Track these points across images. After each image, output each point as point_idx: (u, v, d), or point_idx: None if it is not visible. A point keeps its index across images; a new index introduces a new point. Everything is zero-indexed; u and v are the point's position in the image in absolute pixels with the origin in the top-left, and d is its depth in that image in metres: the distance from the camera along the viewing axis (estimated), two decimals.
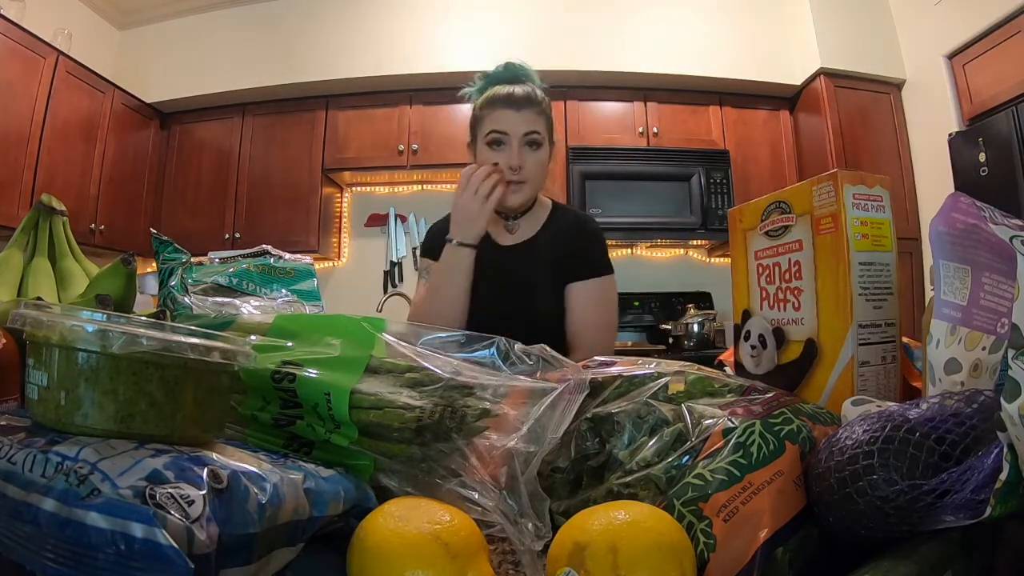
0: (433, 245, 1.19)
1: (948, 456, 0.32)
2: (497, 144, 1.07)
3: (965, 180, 2.39)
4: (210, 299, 0.65)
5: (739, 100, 3.11)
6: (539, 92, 1.11)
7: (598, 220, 1.33)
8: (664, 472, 0.40)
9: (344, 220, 3.44)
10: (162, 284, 0.63)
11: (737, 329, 0.64)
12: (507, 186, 1.04)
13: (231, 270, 0.74)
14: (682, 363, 0.52)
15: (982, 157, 2.33)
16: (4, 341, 0.45)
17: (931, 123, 2.75)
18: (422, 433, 0.41)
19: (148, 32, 3.34)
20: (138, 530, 0.25)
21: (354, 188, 3.45)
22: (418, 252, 1.16)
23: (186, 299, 0.62)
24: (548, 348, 0.51)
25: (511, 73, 1.15)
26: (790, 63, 3.05)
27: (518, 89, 1.09)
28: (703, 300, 2.99)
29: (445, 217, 1.22)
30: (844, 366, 0.52)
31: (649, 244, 3.15)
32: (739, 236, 0.65)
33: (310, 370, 0.43)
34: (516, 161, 1.06)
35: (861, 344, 0.51)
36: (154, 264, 0.67)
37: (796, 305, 0.57)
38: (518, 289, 1.12)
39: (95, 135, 2.88)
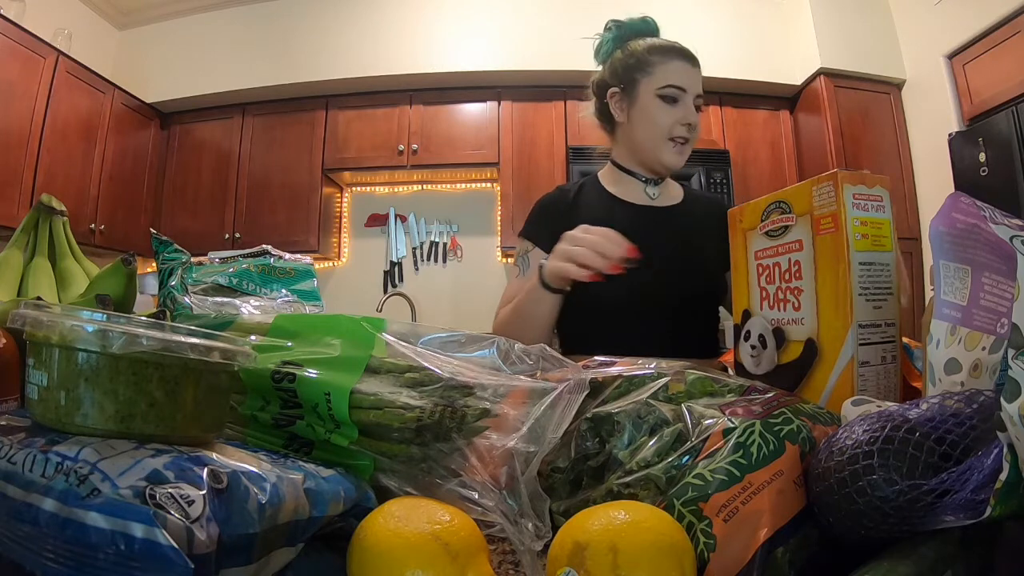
0: (542, 227, 1.03)
1: (948, 456, 0.32)
2: (673, 100, 0.99)
3: (965, 180, 2.39)
4: (210, 299, 0.65)
5: (739, 100, 3.11)
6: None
7: None
8: (664, 472, 0.40)
9: (344, 220, 3.44)
10: (162, 284, 0.63)
11: (737, 329, 0.64)
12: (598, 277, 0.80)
13: (231, 270, 0.74)
14: (682, 363, 0.52)
15: (982, 157, 2.33)
16: (4, 341, 0.45)
17: (931, 123, 2.75)
18: (422, 433, 0.41)
19: (148, 32, 3.34)
20: (138, 530, 0.25)
21: (354, 188, 3.45)
22: (514, 238, 1.03)
23: (186, 299, 0.62)
24: (548, 348, 0.51)
25: (648, 28, 1.07)
26: (790, 63, 3.06)
27: (681, 44, 1.02)
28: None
29: (556, 194, 1.10)
30: (844, 366, 0.52)
31: None
32: (739, 236, 0.65)
33: (310, 370, 0.43)
34: (695, 118, 1.00)
35: (861, 344, 0.51)
36: (154, 264, 0.67)
37: (796, 305, 0.57)
38: (682, 248, 1.00)
39: (95, 135, 2.89)
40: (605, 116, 1.11)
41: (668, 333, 0.99)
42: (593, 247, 0.77)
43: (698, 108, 1.02)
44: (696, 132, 1.02)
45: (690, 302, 1.02)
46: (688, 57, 1.02)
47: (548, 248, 0.98)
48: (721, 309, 1.10)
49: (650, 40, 1.04)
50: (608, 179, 1.12)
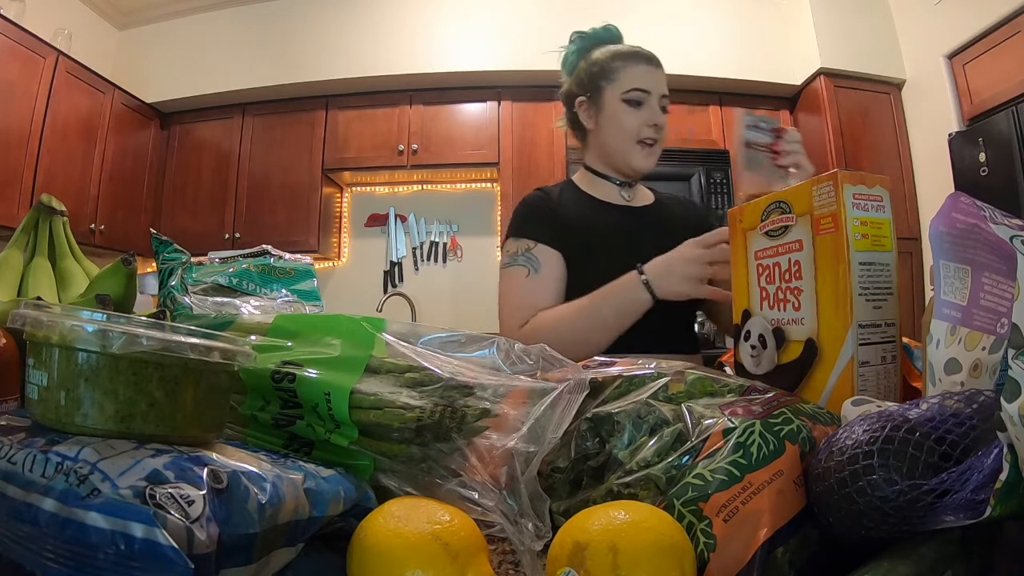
0: (538, 224, 1.03)
1: (948, 456, 0.32)
2: (637, 103, 1.01)
3: (965, 180, 2.39)
4: (210, 299, 0.65)
5: (739, 100, 3.11)
6: None
7: None
8: (664, 472, 0.40)
9: (344, 220, 3.44)
10: (162, 284, 0.63)
11: (737, 329, 0.64)
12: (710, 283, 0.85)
13: (231, 270, 0.74)
14: (682, 363, 0.52)
15: (982, 157, 2.33)
16: (4, 341, 0.45)
17: (931, 123, 2.75)
18: (422, 433, 0.41)
19: (148, 32, 3.34)
20: (138, 530, 0.25)
21: (354, 188, 3.45)
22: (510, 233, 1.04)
23: (186, 299, 0.62)
24: (548, 348, 0.51)
25: (611, 36, 1.10)
26: (790, 63, 3.06)
27: (644, 49, 1.05)
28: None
29: (538, 195, 1.10)
30: (844, 366, 0.52)
31: None
32: (739, 236, 0.65)
33: (310, 370, 0.43)
34: (661, 119, 1.01)
35: (861, 344, 0.51)
36: (154, 264, 0.67)
37: (796, 305, 0.57)
38: (663, 247, 0.99)
39: (95, 135, 2.89)
40: (576, 125, 1.14)
41: (650, 331, 0.95)
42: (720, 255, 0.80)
43: (664, 108, 1.03)
44: (663, 132, 1.04)
45: (672, 301, 1.01)
46: (650, 60, 1.04)
47: (551, 244, 1.01)
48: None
49: (612, 47, 1.07)
50: (583, 183, 1.14)
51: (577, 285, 0.99)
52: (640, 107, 1.02)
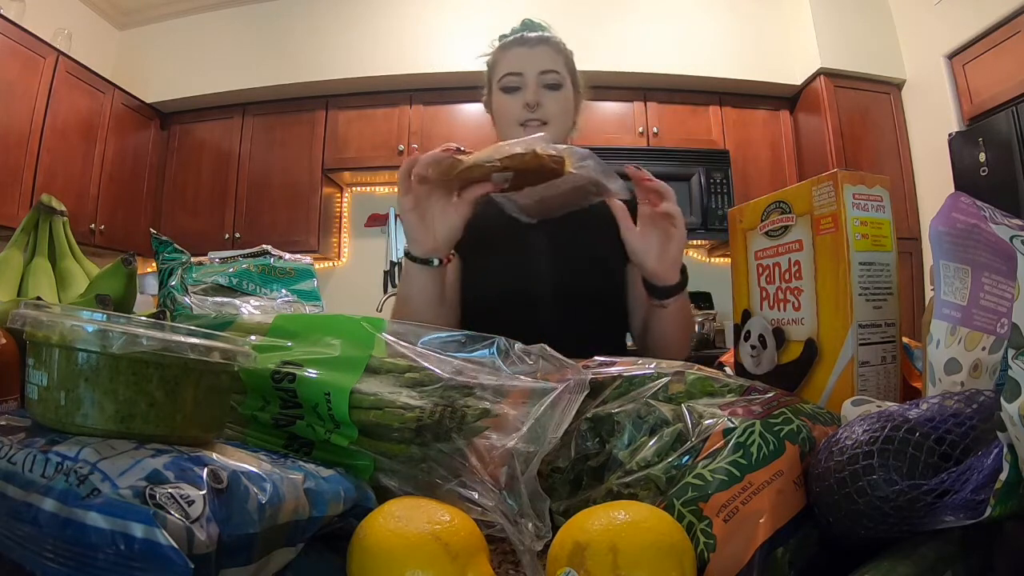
0: None
1: (948, 456, 0.32)
2: (512, 89, 0.97)
3: (965, 180, 2.39)
4: (210, 299, 0.65)
5: (739, 100, 3.11)
6: (556, 37, 1.02)
7: None
8: (664, 472, 0.40)
9: (344, 220, 3.44)
10: (162, 284, 0.63)
11: (737, 329, 0.64)
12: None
13: (231, 270, 0.74)
14: (682, 363, 0.52)
15: (982, 157, 2.33)
16: (4, 341, 0.45)
17: (931, 123, 2.75)
18: (422, 433, 0.41)
19: (148, 32, 3.34)
20: (138, 530, 0.25)
21: (354, 188, 3.45)
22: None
23: (186, 299, 0.62)
24: (548, 348, 0.51)
25: (526, 27, 1.06)
26: (790, 63, 3.06)
27: (531, 33, 1.01)
28: (703, 300, 2.99)
29: None
30: (844, 366, 0.52)
31: None
32: (739, 236, 0.65)
33: (310, 370, 0.43)
34: (533, 97, 0.95)
35: (861, 344, 0.51)
36: (154, 264, 0.67)
37: (796, 305, 0.57)
38: (569, 242, 0.95)
39: (95, 135, 2.89)
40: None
41: (562, 328, 0.91)
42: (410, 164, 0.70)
43: (553, 86, 0.97)
44: (548, 110, 0.97)
45: (582, 297, 0.98)
46: (526, 41, 0.99)
47: None
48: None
49: (501, 39, 1.04)
50: None
51: (473, 282, 0.98)
52: (515, 92, 0.98)
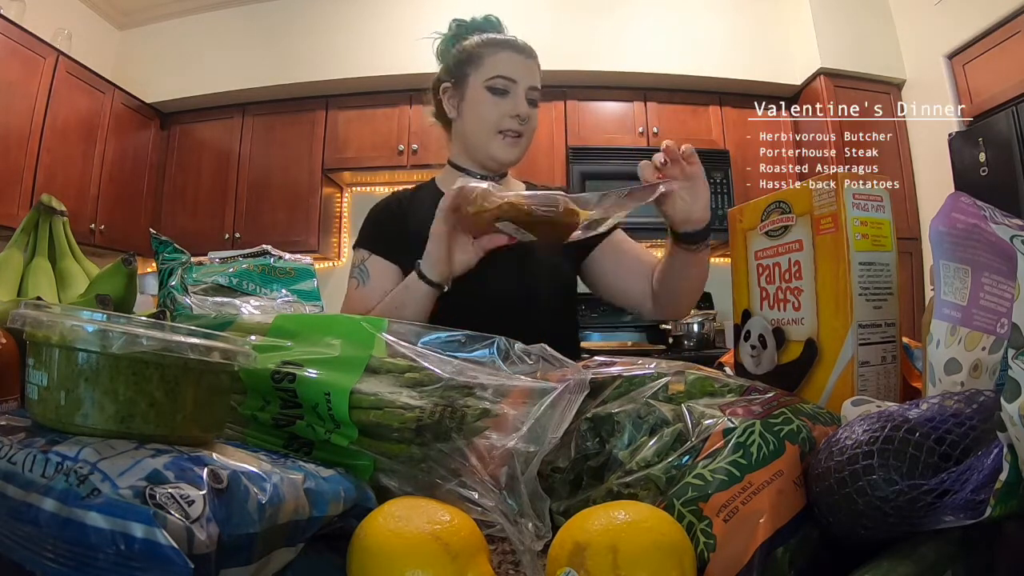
0: (375, 234, 1.02)
1: (948, 456, 0.32)
2: (502, 92, 0.95)
3: (965, 180, 2.39)
4: (210, 299, 0.65)
5: (739, 100, 3.11)
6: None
7: None
8: (664, 472, 0.40)
9: (344, 220, 3.44)
10: (162, 284, 0.63)
11: (737, 329, 0.64)
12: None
13: (231, 270, 0.74)
14: (682, 363, 0.52)
15: (982, 157, 2.33)
16: (4, 341, 0.45)
17: (931, 123, 2.75)
18: (422, 433, 0.41)
19: (148, 32, 3.34)
20: (138, 530, 0.25)
21: (354, 188, 3.45)
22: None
23: (186, 299, 0.62)
24: (548, 348, 0.51)
25: (491, 25, 1.05)
26: (790, 63, 3.05)
27: (519, 38, 1.00)
28: (703, 300, 2.98)
29: (387, 199, 1.08)
30: (844, 366, 0.52)
31: (649, 244, 3.15)
32: (739, 236, 0.65)
33: (310, 370, 0.43)
34: (524, 109, 0.95)
35: (861, 344, 0.51)
36: (154, 264, 0.67)
37: (796, 305, 0.57)
38: (526, 247, 0.94)
39: (95, 135, 2.88)
40: (442, 115, 1.08)
41: (519, 333, 0.91)
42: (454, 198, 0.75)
43: (533, 102, 0.98)
44: (530, 126, 0.98)
45: (539, 300, 0.98)
46: (521, 49, 0.99)
47: (385, 255, 0.97)
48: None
49: (485, 35, 1.02)
50: (445, 181, 1.07)
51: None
52: (504, 96, 0.96)
